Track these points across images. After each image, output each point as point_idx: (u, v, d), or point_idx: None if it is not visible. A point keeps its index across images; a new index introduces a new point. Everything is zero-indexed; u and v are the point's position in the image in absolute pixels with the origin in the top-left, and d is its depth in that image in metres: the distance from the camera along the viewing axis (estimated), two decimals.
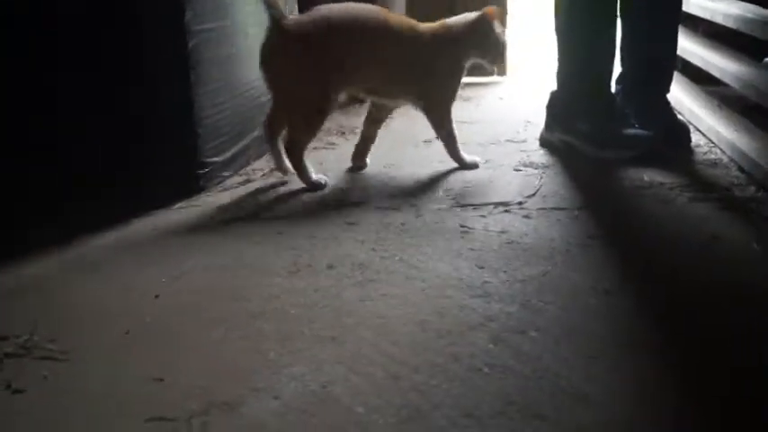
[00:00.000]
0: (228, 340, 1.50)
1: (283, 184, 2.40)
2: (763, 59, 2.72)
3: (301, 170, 2.33)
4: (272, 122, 2.37)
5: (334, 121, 3.12)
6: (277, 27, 2.21)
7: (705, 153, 2.49)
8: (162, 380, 1.38)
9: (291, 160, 2.35)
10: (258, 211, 2.18)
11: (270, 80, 2.28)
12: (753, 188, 2.16)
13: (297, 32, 2.22)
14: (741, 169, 2.29)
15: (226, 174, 2.44)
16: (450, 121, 2.44)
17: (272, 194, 2.32)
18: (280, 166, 2.41)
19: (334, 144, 2.83)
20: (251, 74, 2.48)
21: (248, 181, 2.43)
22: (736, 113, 2.56)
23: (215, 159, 2.38)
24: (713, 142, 2.55)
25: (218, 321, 1.57)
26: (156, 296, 1.70)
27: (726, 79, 2.52)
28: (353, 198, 2.24)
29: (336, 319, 1.57)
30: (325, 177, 2.37)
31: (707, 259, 1.78)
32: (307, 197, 2.28)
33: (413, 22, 2.38)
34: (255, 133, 2.57)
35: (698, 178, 2.29)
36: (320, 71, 2.23)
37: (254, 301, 1.66)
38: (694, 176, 2.31)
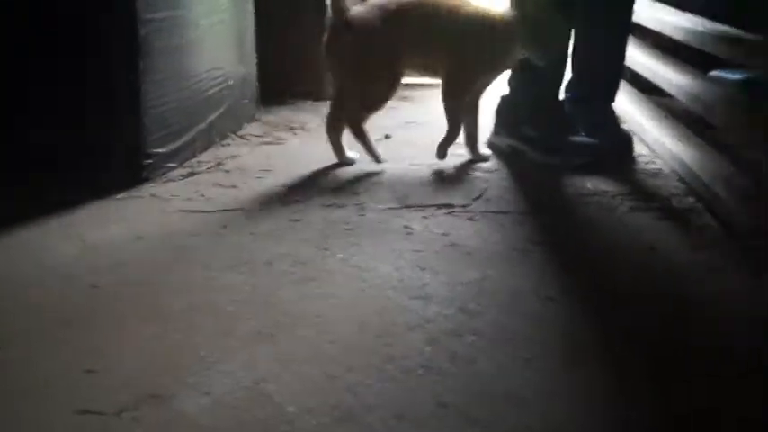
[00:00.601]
0: (163, 334, 1.48)
1: (226, 172, 2.38)
2: (708, 73, 2.77)
3: (369, 145, 2.49)
4: (335, 118, 2.50)
5: (282, 116, 3.11)
6: (342, 19, 2.34)
7: (647, 163, 2.53)
8: (94, 371, 1.35)
9: (358, 134, 2.47)
10: (201, 205, 2.15)
11: (338, 68, 2.47)
12: (691, 199, 2.20)
13: (361, 23, 2.36)
14: (681, 180, 2.33)
15: (170, 165, 2.41)
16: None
17: (216, 189, 2.29)
18: (370, 152, 2.51)
19: (282, 139, 2.81)
20: (199, 66, 2.46)
21: (193, 174, 2.40)
22: (680, 125, 2.60)
23: (160, 150, 2.34)
24: (656, 153, 2.58)
25: (154, 314, 1.55)
26: (94, 286, 1.67)
27: (672, 91, 2.56)
28: (299, 195, 2.23)
29: (273, 316, 1.55)
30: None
31: (645, 269, 1.80)
32: (251, 193, 2.26)
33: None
34: (202, 126, 2.54)
35: (639, 188, 2.32)
36: (387, 54, 2.40)
37: (191, 295, 1.64)
38: (636, 186, 2.34)
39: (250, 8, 2.94)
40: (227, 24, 2.72)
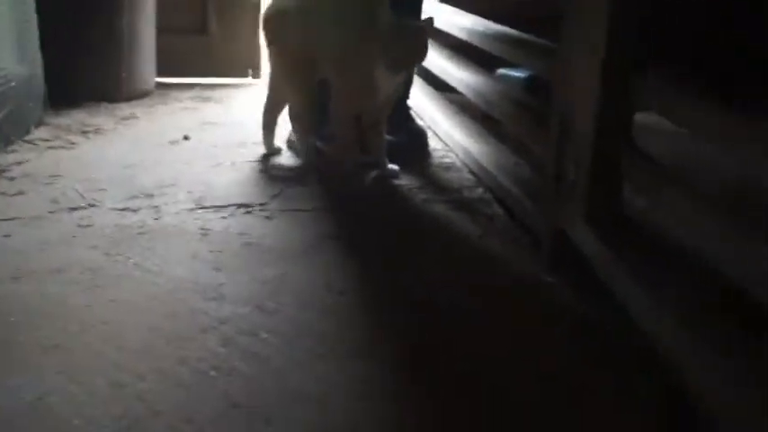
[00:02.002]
0: None
1: (11, 179, 2.26)
2: (496, 71, 2.91)
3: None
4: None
5: (74, 119, 2.98)
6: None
7: (441, 157, 2.63)
8: None
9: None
10: None
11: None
12: (480, 190, 2.30)
13: None
14: (472, 172, 2.44)
15: None
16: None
17: None
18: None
19: (74, 143, 2.70)
20: None
21: None
22: (470, 120, 2.72)
23: None
24: (449, 147, 2.69)
25: None
26: None
27: (460, 88, 2.67)
28: (90, 200, 2.15)
29: (61, 326, 1.50)
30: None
31: (436, 258, 1.87)
32: (39, 200, 2.15)
33: None
34: None
35: (434, 180, 2.41)
36: None
37: None
38: (430, 179, 2.42)
39: (31, 2, 2.79)
40: (5, 18, 2.57)
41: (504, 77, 2.88)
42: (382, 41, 2.17)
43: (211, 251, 1.85)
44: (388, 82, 2.27)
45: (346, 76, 2.33)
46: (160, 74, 3.60)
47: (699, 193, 1.34)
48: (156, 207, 2.11)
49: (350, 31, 2.28)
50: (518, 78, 2.84)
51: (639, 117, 1.57)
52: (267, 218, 2.06)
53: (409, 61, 2.28)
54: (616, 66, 1.49)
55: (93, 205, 2.11)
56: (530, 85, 2.75)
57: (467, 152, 2.49)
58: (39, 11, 2.81)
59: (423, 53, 2.25)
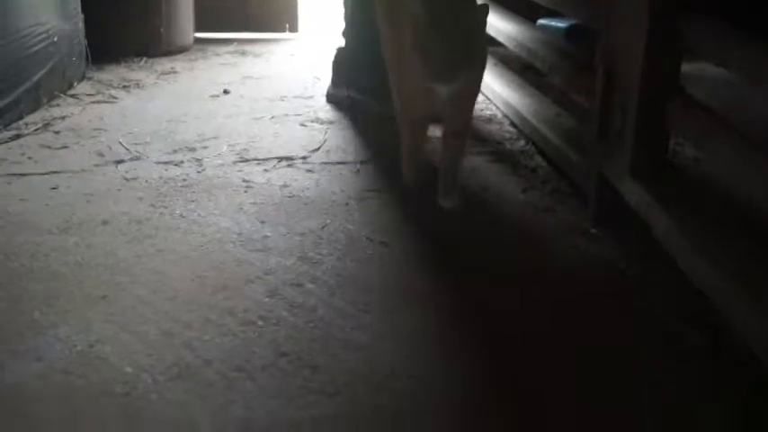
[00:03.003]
0: None
1: (56, 133, 2.29)
2: (537, 21, 2.87)
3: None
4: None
5: (115, 74, 3.00)
6: None
7: (482, 110, 2.60)
8: None
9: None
10: (29, 168, 2.06)
11: None
12: (522, 142, 2.29)
13: None
14: (513, 124, 2.42)
15: None
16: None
17: (45, 150, 2.19)
18: None
19: (115, 98, 2.72)
20: (20, 22, 2.32)
21: (19, 136, 2.29)
22: (511, 72, 2.68)
23: None
24: (490, 99, 2.66)
25: None
26: None
27: (501, 39, 2.63)
28: (134, 153, 2.17)
29: (109, 276, 1.52)
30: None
31: (478, 210, 1.86)
32: (83, 153, 2.17)
33: None
34: (27, 85, 2.42)
35: (474, 133, 2.38)
36: None
37: (20, 259, 1.58)
38: (471, 131, 2.40)
39: None
40: None
41: (546, 27, 2.83)
42: (416, 40, 1.64)
43: (254, 203, 1.86)
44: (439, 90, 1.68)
45: (402, 72, 1.86)
46: (198, 29, 3.59)
47: (748, 142, 1.31)
48: (199, 160, 2.12)
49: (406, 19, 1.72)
50: (559, 28, 2.79)
51: (685, 66, 1.54)
52: (308, 171, 2.07)
53: (459, 73, 1.62)
54: (663, 9, 1.46)
55: (137, 158, 2.13)
56: (571, 34, 2.71)
57: (508, 104, 2.47)
58: None
59: (477, 61, 1.72)
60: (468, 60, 1.63)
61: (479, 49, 1.74)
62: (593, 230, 1.73)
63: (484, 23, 1.75)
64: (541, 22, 2.88)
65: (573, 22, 2.72)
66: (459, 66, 1.60)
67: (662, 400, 1.19)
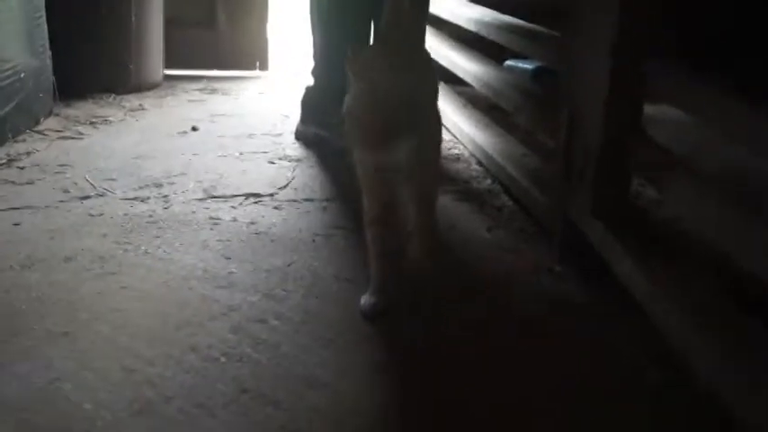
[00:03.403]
0: None
1: (21, 169, 2.27)
2: (504, 62, 2.91)
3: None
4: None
5: (83, 110, 2.99)
6: None
7: (450, 148, 2.63)
8: None
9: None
10: None
11: None
12: (488, 181, 2.31)
13: None
14: (480, 163, 2.44)
15: None
16: None
17: (8, 186, 2.17)
18: None
19: (83, 134, 2.71)
20: None
21: None
22: (478, 111, 2.72)
23: None
24: (458, 138, 2.69)
25: None
26: None
27: (468, 79, 2.67)
28: (99, 189, 2.16)
29: (71, 313, 1.51)
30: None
31: (443, 248, 1.87)
32: (48, 189, 2.16)
33: None
34: None
35: (442, 171, 2.40)
36: None
37: None
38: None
39: None
40: (14, 11, 2.58)
41: (512, 69, 2.88)
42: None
43: (220, 240, 1.86)
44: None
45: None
46: (168, 66, 3.60)
47: (708, 184, 1.33)
48: (166, 196, 2.12)
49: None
50: (526, 69, 2.84)
51: (647, 108, 1.57)
52: (276, 208, 2.07)
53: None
54: (626, 55, 1.49)
55: (102, 195, 2.12)
56: (538, 76, 2.75)
57: (475, 144, 2.49)
58: (48, 3, 2.81)
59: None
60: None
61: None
62: (557, 269, 1.74)
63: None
64: (508, 63, 2.92)
65: (539, 64, 2.77)
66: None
67: None
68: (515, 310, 1.60)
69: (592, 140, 1.59)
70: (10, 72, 2.51)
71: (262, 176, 2.31)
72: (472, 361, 1.40)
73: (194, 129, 2.80)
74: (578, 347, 1.46)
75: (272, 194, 2.16)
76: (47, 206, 2.03)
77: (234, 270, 1.70)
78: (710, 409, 1.19)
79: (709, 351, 1.16)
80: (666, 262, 1.40)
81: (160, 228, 1.92)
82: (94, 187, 2.17)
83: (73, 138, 2.65)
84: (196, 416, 1.20)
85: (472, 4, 2.80)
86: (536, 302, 1.63)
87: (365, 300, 1.55)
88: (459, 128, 2.66)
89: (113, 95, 3.23)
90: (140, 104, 3.15)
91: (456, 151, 2.61)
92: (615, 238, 1.50)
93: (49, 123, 2.78)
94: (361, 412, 1.24)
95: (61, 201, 2.07)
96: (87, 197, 2.10)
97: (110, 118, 2.92)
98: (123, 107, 3.09)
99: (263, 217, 2.00)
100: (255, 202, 2.10)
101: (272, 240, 1.86)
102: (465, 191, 2.24)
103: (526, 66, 2.85)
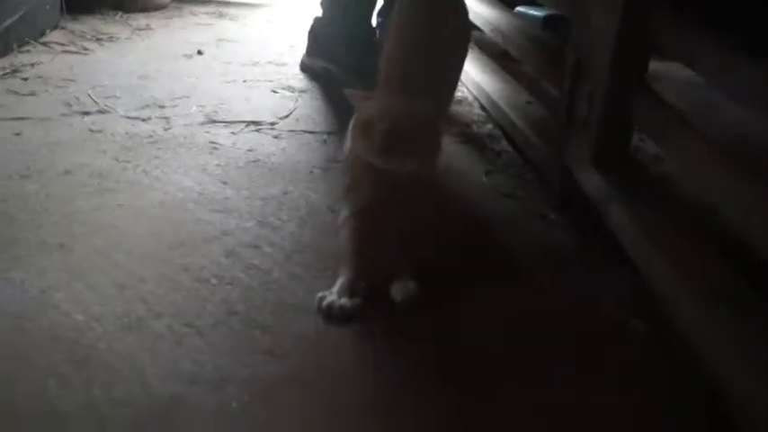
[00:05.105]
0: None
1: (24, 80, 2.26)
2: (515, 7, 2.88)
3: None
4: None
5: (90, 26, 2.97)
6: None
7: None
8: None
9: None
10: None
11: None
12: (490, 125, 2.30)
13: None
14: (483, 108, 2.43)
15: None
16: None
17: (11, 96, 2.17)
18: None
19: (88, 50, 2.69)
20: None
21: None
22: (485, 56, 2.70)
23: None
24: (462, 81, 2.67)
25: None
26: None
27: (478, 23, 2.64)
28: (101, 106, 2.15)
29: (67, 226, 1.52)
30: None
31: (444, 188, 1.87)
32: (51, 101, 2.16)
33: None
34: None
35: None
36: None
37: None
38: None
39: None
40: None
41: (523, 15, 2.85)
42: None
43: (218, 165, 1.86)
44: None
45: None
46: None
47: (710, 142, 1.33)
48: (167, 118, 2.12)
49: None
50: (536, 17, 2.81)
51: (653, 64, 1.56)
52: (276, 137, 2.07)
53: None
54: (637, 5, 1.48)
55: (104, 111, 2.12)
56: (548, 24, 2.72)
57: (479, 88, 2.48)
58: None
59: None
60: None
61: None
62: (552, 216, 1.75)
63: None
64: (519, 9, 2.89)
65: (550, 11, 2.74)
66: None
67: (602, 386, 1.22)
68: (505, 255, 1.61)
69: (596, 89, 1.58)
70: None
71: (264, 105, 2.30)
72: (457, 307, 1.41)
73: (200, 53, 2.78)
74: (564, 295, 1.47)
75: (272, 124, 2.16)
76: (48, 119, 2.04)
77: (230, 195, 1.71)
78: (692, 364, 1.21)
79: (690, 301, 1.17)
80: (657, 214, 1.41)
81: (159, 148, 1.92)
82: (97, 103, 2.17)
83: (78, 53, 2.64)
84: (184, 334, 1.22)
85: None
86: (526, 248, 1.64)
87: (330, 299, 1.31)
88: (465, 71, 2.64)
89: (121, 13, 3.21)
90: (147, 24, 3.13)
91: (459, 93, 2.59)
92: (610, 187, 1.51)
93: (54, 36, 2.77)
94: (347, 339, 1.26)
95: (63, 114, 2.08)
96: (89, 113, 2.10)
97: (116, 35, 2.90)
98: (130, 26, 3.07)
99: (262, 145, 2.00)
100: (256, 130, 2.10)
101: (270, 169, 1.87)
102: (465, 134, 2.24)
103: (537, 13, 2.82)
